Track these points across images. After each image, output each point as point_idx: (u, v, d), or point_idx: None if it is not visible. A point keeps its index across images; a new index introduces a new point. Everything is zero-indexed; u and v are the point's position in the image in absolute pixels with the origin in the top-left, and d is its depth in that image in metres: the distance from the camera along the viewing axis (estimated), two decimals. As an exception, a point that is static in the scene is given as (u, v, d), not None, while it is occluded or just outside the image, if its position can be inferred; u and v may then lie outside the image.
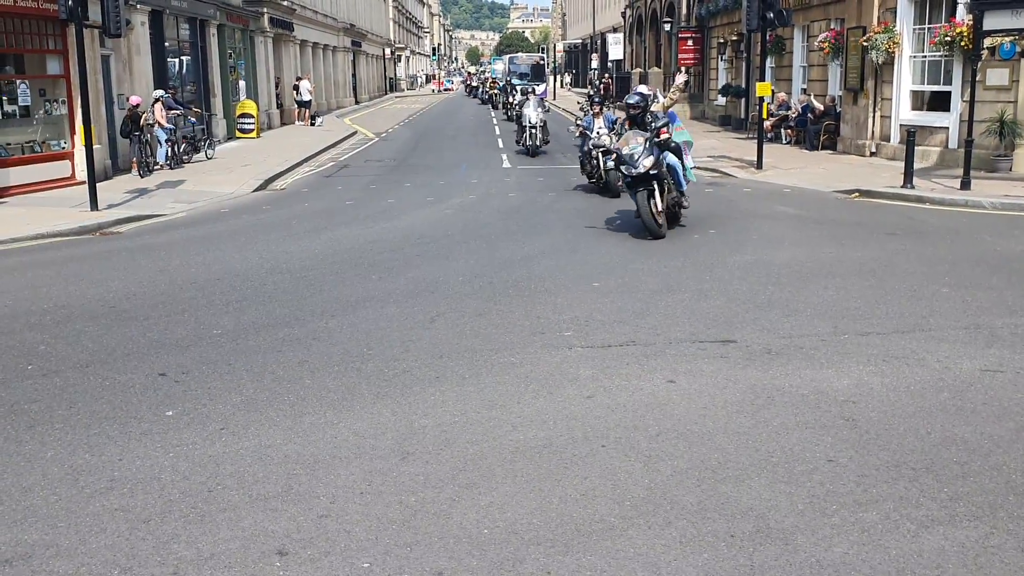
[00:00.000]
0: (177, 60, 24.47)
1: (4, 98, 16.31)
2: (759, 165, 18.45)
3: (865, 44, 18.62)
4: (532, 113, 22.51)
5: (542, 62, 59.15)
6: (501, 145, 26.26)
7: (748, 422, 5.38)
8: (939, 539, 4.01)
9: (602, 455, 4.95)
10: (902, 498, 4.39)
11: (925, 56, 17.98)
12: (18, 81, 16.61)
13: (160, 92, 20.59)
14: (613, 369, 6.38)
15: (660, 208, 11.29)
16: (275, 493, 4.57)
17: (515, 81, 45.32)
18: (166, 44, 23.20)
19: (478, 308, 8.16)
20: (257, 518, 4.31)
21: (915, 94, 18.52)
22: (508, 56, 68.09)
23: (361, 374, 6.39)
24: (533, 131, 22.55)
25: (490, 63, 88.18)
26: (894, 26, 18.25)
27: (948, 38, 16.57)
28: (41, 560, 3.97)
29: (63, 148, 17.37)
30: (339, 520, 4.28)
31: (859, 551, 3.92)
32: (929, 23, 17.81)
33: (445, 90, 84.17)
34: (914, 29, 18.19)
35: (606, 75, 42.01)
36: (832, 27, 21.19)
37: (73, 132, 17.21)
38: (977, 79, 14.93)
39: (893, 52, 18.16)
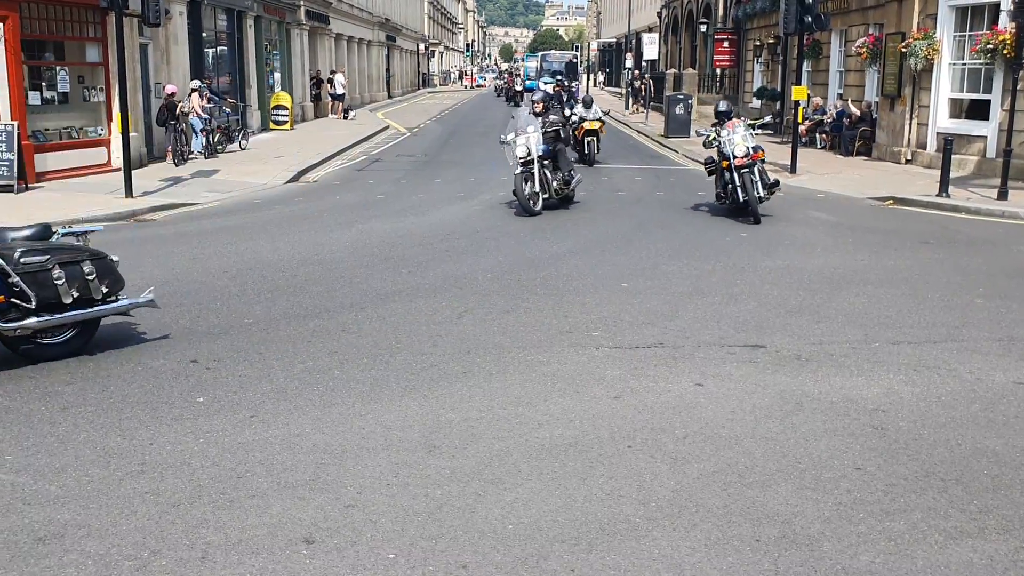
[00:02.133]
0: (214, 50, 24.69)
1: (44, 84, 16.54)
2: (793, 169, 18.31)
3: (904, 50, 18.42)
4: (523, 141, 13.17)
5: (575, 60, 58.62)
6: (533, 143, 26.23)
7: (776, 427, 5.36)
8: (967, 551, 3.98)
9: (628, 456, 4.95)
10: (930, 508, 4.36)
11: (965, 64, 17.76)
12: (58, 67, 16.83)
13: (197, 82, 20.78)
14: (641, 370, 6.37)
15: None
16: (303, 481, 4.62)
17: (546, 80, 44.64)
18: (203, 34, 23.41)
19: (506, 305, 8.17)
20: (285, 505, 4.35)
21: (954, 102, 18.30)
22: (541, 53, 67.08)
23: (389, 367, 6.43)
24: (529, 169, 13.12)
25: (523, 60, 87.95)
26: (934, 33, 18.04)
27: (990, 46, 16.34)
28: (73, 539, 4.03)
29: (100, 135, 17.58)
30: (365, 510, 4.31)
31: (885, 560, 3.89)
32: (970, 30, 17.59)
33: (477, 86, 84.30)
34: (955, 36, 17.97)
35: (647, 75, 40.99)
36: (871, 32, 20.99)
37: (110, 119, 17.40)
38: (1018, 88, 14.72)
39: (932, 59, 17.96)
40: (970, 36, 17.51)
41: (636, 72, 43.12)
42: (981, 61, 17.01)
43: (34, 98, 16.07)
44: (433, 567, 3.83)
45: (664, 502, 4.42)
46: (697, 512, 4.31)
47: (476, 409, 5.63)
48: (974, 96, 17.76)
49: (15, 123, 14.65)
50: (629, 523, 4.21)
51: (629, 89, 42.90)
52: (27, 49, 15.72)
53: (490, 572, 3.79)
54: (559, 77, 38.39)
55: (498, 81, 63.97)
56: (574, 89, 34.26)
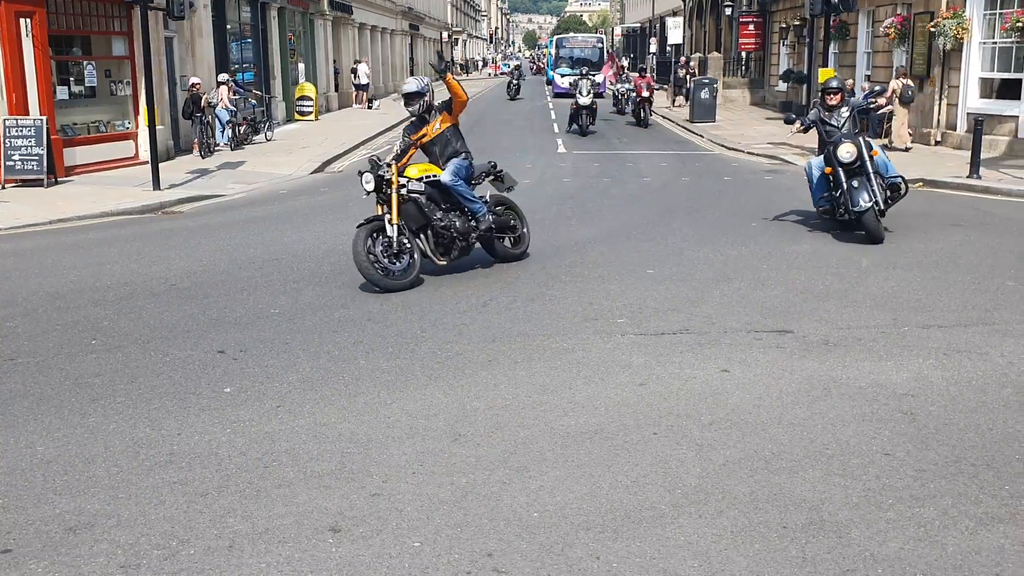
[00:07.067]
0: (238, 43, 24.79)
1: (71, 79, 16.69)
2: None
3: (932, 30, 18.15)
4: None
5: (600, 44, 51.49)
6: (556, 130, 26.16)
7: (803, 413, 5.32)
8: (999, 537, 3.93)
9: (654, 443, 4.93)
10: (961, 494, 4.31)
11: (995, 42, 17.47)
12: (85, 62, 16.98)
13: (225, 76, 20.91)
14: (666, 357, 6.34)
15: None
16: (329, 471, 4.64)
17: (563, 72, 41.19)
18: (228, 27, 23.50)
19: (530, 293, 8.16)
20: (311, 495, 4.38)
21: (984, 81, 18.01)
22: (557, 37, 55.75)
23: (414, 356, 6.44)
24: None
25: (546, 47, 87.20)
26: (963, 11, 17.75)
27: (1020, 24, 16.08)
28: (103, 529, 4.08)
29: (127, 128, 17.73)
30: (391, 499, 4.32)
31: (915, 547, 3.85)
32: (1001, 8, 17.29)
33: (501, 74, 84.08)
34: (984, 14, 17.67)
35: (691, 61, 37.71)
36: (899, 12, 20.68)
37: (137, 113, 17.55)
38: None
39: (962, 38, 17.67)
40: (1000, 14, 17.22)
41: (683, 59, 38.09)
42: (1012, 40, 16.73)
43: (62, 93, 16.22)
44: (458, 555, 3.84)
45: (690, 489, 4.39)
46: (723, 499, 4.29)
47: (501, 397, 5.63)
48: (1005, 75, 17.47)
49: (44, 118, 14.80)
50: (655, 510, 4.19)
51: (672, 78, 38.58)
52: (54, 44, 15.85)
53: (515, 560, 3.79)
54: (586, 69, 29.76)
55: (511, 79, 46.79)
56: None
